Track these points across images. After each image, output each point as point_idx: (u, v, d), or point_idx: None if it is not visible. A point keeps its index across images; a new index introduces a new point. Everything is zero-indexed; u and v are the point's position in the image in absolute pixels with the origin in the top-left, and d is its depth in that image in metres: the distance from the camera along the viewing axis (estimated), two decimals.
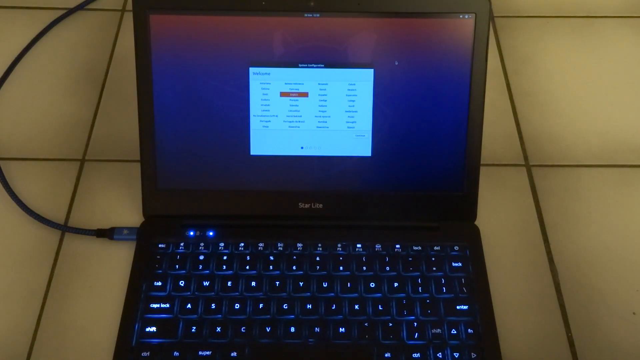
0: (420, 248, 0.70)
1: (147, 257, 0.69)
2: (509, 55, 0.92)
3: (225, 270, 0.68)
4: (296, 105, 0.70)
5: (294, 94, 0.69)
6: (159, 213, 0.72)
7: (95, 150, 0.81)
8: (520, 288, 0.70)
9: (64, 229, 0.73)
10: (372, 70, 0.68)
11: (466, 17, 0.67)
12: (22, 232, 0.74)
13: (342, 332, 0.64)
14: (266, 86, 0.69)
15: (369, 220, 0.72)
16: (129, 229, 0.72)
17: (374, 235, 0.71)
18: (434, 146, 0.70)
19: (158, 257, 0.69)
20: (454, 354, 0.63)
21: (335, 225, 0.72)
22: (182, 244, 0.70)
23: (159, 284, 0.67)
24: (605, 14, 0.98)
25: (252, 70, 0.69)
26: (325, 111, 0.70)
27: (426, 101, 0.69)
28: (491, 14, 0.74)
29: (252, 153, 0.71)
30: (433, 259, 0.69)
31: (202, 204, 0.72)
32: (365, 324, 0.65)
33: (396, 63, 0.68)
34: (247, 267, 0.69)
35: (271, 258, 0.69)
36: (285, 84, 0.69)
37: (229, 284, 0.67)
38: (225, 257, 0.69)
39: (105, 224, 0.73)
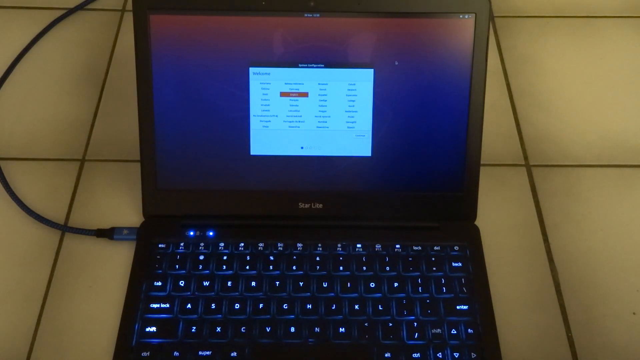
0: (420, 248, 0.70)
1: (147, 257, 0.69)
2: (509, 55, 0.92)
3: (225, 270, 0.68)
4: (296, 105, 0.70)
5: (294, 94, 0.69)
6: (159, 213, 0.72)
7: (95, 150, 0.81)
8: (520, 288, 0.70)
9: (64, 229, 0.73)
10: (372, 70, 0.68)
11: (466, 17, 0.67)
12: (22, 232, 0.74)
13: (342, 332, 0.64)
14: (266, 86, 0.69)
15: (369, 220, 0.72)
16: (129, 229, 0.72)
17: (374, 235, 0.71)
18: (434, 146, 0.70)
19: (158, 257, 0.69)
20: (454, 354, 0.63)
21: (335, 225, 0.72)
22: (182, 244, 0.70)
23: (159, 284, 0.67)
24: (605, 14, 0.98)
25: (252, 70, 0.69)
26: (325, 111, 0.70)
27: (426, 101, 0.69)
28: (491, 14, 0.74)
29: (252, 153, 0.71)
30: (433, 259, 0.69)
31: (202, 204, 0.72)
32: (365, 324, 0.65)
33: (396, 63, 0.68)
34: (247, 267, 0.69)
35: (271, 258, 0.69)
36: (285, 84, 0.69)
37: (229, 284, 0.67)
38: (225, 257, 0.69)
39: (105, 224, 0.73)
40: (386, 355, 0.63)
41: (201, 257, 0.69)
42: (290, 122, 0.70)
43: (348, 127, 0.70)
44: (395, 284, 0.67)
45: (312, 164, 0.71)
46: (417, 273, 0.68)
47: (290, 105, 0.70)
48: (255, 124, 0.70)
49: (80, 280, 0.70)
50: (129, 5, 0.99)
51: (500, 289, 0.69)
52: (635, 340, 0.66)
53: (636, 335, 0.67)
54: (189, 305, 0.66)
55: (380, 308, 0.66)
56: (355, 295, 0.67)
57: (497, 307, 0.67)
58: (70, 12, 0.97)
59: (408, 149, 0.70)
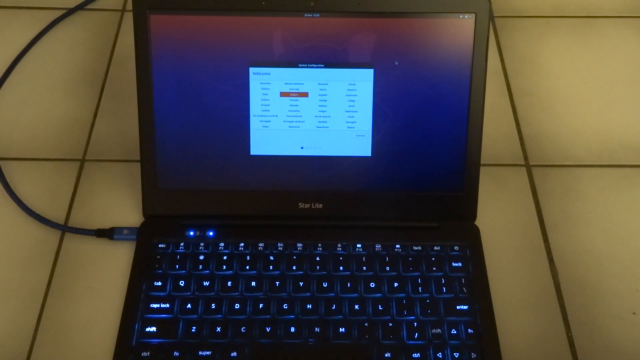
0: (420, 248, 0.70)
1: (147, 257, 0.69)
2: (509, 55, 0.92)
3: (225, 270, 0.68)
4: (296, 105, 0.70)
5: (294, 94, 0.69)
6: (159, 213, 0.72)
7: (95, 150, 0.81)
8: (520, 288, 0.70)
9: (64, 229, 0.73)
10: (372, 70, 0.68)
11: (466, 17, 0.67)
12: (22, 232, 0.74)
13: (342, 332, 0.64)
14: (266, 86, 0.69)
15: (369, 220, 0.72)
16: (129, 229, 0.72)
17: (374, 235, 0.71)
18: (434, 146, 0.70)
19: (158, 257, 0.69)
20: (454, 354, 0.63)
21: (335, 225, 0.72)
22: (182, 244, 0.70)
23: (159, 284, 0.67)
24: (605, 14, 0.98)
25: (252, 70, 0.69)
26: (325, 111, 0.70)
27: (426, 101, 0.69)
28: (491, 14, 0.74)
29: (252, 153, 0.71)
30: (433, 259, 0.69)
31: (202, 204, 0.72)
32: (365, 324, 0.65)
33: (396, 63, 0.68)
34: (247, 267, 0.69)
35: (271, 258, 0.69)
36: (285, 84, 0.69)
37: (229, 284, 0.67)
38: (225, 257, 0.69)
39: (105, 224, 0.73)
40: (386, 355, 0.63)
41: (201, 257, 0.69)
42: (290, 122, 0.70)
43: (348, 127, 0.70)
44: (395, 284, 0.67)
45: (312, 164, 0.71)
46: (417, 273, 0.68)
47: (290, 105, 0.70)
48: (255, 124, 0.70)
49: (80, 280, 0.70)
50: (129, 5, 0.99)
51: (500, 289, 0.69)
52: (635, 340, 0.66)
53: (636, 335, 0.67)
54: (189, 305, 0.66)
55: (380, 308, 0.66)
56: (355, 295, 0.67)
57: (497, 307, 0.67)
58: (70, 12, 0.97)
59: (408, 149, 0.70)
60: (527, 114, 0.86)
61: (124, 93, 0.86)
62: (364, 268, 0.68)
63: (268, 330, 0.64)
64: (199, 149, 0.70)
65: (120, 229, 0.72)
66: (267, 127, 0.70)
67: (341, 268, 0.69)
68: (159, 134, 0.70)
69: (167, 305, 0.66)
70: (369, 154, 0.71)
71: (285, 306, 0.66)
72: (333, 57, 0.68)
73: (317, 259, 0.69)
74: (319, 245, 0.70)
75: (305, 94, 0.69)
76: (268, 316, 0.65)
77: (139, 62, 0.68)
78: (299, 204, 0.71)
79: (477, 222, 0.72)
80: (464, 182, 0.71)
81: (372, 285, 0.67)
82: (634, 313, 0.68)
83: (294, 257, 0.69)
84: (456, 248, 0.70)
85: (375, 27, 0.67)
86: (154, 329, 0.65)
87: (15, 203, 0.75)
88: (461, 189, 0.71)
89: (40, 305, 0.68)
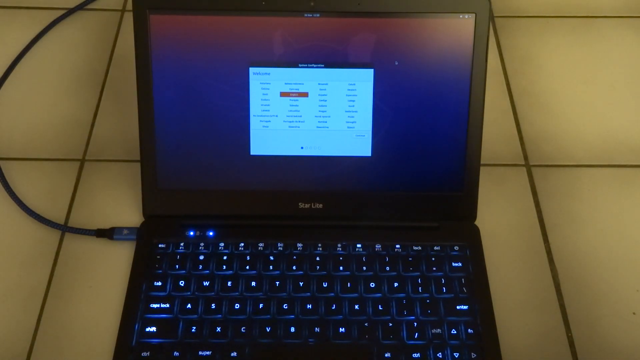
0: (420, 248, 0.70)
1: (147, 257, 0.69)
2: (509, 55, 0.92)
3: (225, 270, 0.68)
4: (296, 105, 0.70)
5: (294, 94, 0.69)
6: (159, 213, 0.72)
7: (95, 150, 0.81)
8: (520, 288, 0.70)
9: (64, 229, 0.73)
10: (372, 70, 0.68)
11: (466, 17, 0.67)
12: (22, 232, 0.74)
13: (342, 332, 0.64)
14: (266, 86, 0.69)
15: (369, 220, 0.72)
16: (129, 229, 0.72)
17: (374, 235, 0.71)
18: (434, 146, 0.70)
19: (158, 257, 0.69)
20: (454, 354, 0.63)
21: (335, 225, 0.72)
22: (182, 244, 0.70)
23: (159, 284, 0.67)
24: (605, 14, 0.98)
25: (252, 70, 0.69)
26: (325, 111, 0.70)
27: (426, 101, 0.69)
28: (491, 14, 0.74)
29: (252, 153, 0.71)
30: (433, 259, 0.69)
31: (202, 204, 0.72)
32: (365, 324, 0.65)
33: (396, 63, 0.68)
34: (247, 267, 0.69)
35: (271, 258, 0.69)
36: (285, 84, 0.69)
37: (229, 284, 0.67)
38: (225, 257, 0.69)
39: (105, 224, 0.73)
40: (386, 355, 0.63)
41: (201, 257, 0.69)
42: (290, 122, 0.70)
43: (348, 127, 0.70)
44: (395, 284, 0.67)
45: (312, 164, 0.71)
46: (417, 273, 0.68)
47: (290, 105, 0.70)
48: (255, 124, 0.70)
49: (80, 280, 0.70)
50: (129, 5, 0.99)
51: (500, 289, 0.69)
52: (635, 340, 0.66)
53: (636, 335, 0.67)
54: (189, 305, 0.66)
55: (380, 308, 0.66)
56: (355, 295, 0.67)
57: (497, 307, 0.67)
58: (70, 12, 0.97)
59: (408, 149, 0.70)
60: (527, 114, 0.86)
61: (124, 93, 0.86)
62: (364, 268, 0.68)
63: (268, 330, 0.64)
64: (199, 149, 0.70)
65: (120, 229, 0.72)
66: (267, 127, 0.70)
67: (341, 268, 0.69)
68: (159, 134, 0.70)
69: (167, 305, 0.66)
70: (369, 154, 0.71)
71: (285, 306, 0.66)
72: (333, 57, 0.68)
73: (317, 259, 0.69)
74: (319, 245, 0.70)
75: (305, 94, 0.69)
76: (268, 316, 0.65)
77: (139, 62, 0.68)
78: (299, 204, 0.71)
79: (477, 222, 0.72)
80: (463, 182, 0.71)
81: (372, 285, 0.67)
82: (634, 313, 0.68)
83: (294, 257, 0.69)
84: (456, 248, 0.70)
85: (375, 27, 0.67)
86: (154, 329, 0.65)
87: (15, 203, 0.75)
88: (461, 189, 0.71)
89: (40, 305, 0.68)
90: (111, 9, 0.98)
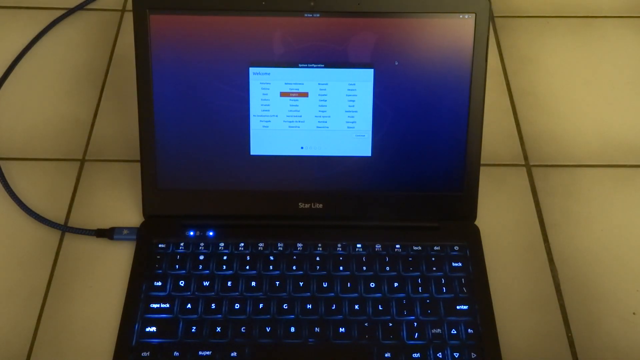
0: (420, 248, 0.70)
1: (147, 257, 0.69)
2: (509, 55, 0.92)
3: (225, 270, 0.68)
4: (296, 105, 0.70)
5: (294, 94, 0.69)
6: (159, 213, 0.72)
7: (95, 150, 0.81)
8: (520, 288, 0.70)
9: (64, 229, 0.73)
10: (372, 70, 0.68)
11: (466, 17, 0.67)
12: (22, 232, 0.74)
13: (342, 332, 0.64)
14: (266, 86, 0.69)
15: (369, 220, 0.72)
16: (129, 229, 0.72)
17: (374, 235, 0.71)
18: (434, 146, 0.70)
19: (158, 257, 0.69)
20: (454, 354, 0.63)
21: (335, 225, 0.72)
22: (182, 244, 0.70)
23: (159, 284, 0.67)
24: (605, 14, 0.98)
25: (252, 70, 0.69)
26: (325, 111, 0.70)
27: (426, 101, 0.69)
28: (491, 14, 0.74)
29: (252, 153, 0.71)
30: (433, 259, 0.69)
31: (202, 204, 0.72)
32: (365, 324, 0.65)
33: (396, 63, 0.68)
34: (247, 267, 0.69)
35: (271, 258, 0.69)
36: (285, 84, 0.69)
37: (229, 284, 0.67)
38: (225, 257, 0.69)
39: (105, 224, 0.73)
40: (386, 355, 0.63)
41: (201, 257, 0.69)
42: (290, 122, 0.70)
43: (348, 127, 0.70)
44: (395, 284, 0.67)
45: (312, 164, 0.71)
46: (417, 273, 0.68)
47: (290, 105, 0.70)
48: (255, 124, 0.70)
49: (80, 280, 0.70)
50: (129, 5, 0.99)
51: (500, 289, 0.69)
52: (635, 340, 0.66)
53: (636, 335, 0.67)
54: (189, 305, 0.66)
55: (380, 308, 0.66)
56: (355, 295, 0.67)
57: (497, 307, 0.67)
58: (70, 12, 0.97)
59: (408, 149, 0.70)
60: (527, 113, 0.86)
61: (124, 93, 0.86)
62: (364, 268, 0.68)
63: (268, 330, 0.64)
64: (199, 149, 0.70)
65: (120, 229, 0.72)
66: (267, 127, 0.70)
67: (341, 268, 0.69)
68: (159, 134, 0.70)
69: (167, 305, 0.66)
70: (369, 154, 0.71)
71: (285, 306, 0.66)
72: (333, 57, 0.68)
73: (317, 259, 0.69)
74: (319, 245, 0.70)
75: (305, 94, 0.69)
76: (268, 316, 0.65)
77: (139, 62, 0.68)
78: (299, 204, 0.71)
79: (477, 222, 0.72)
80: (463, 182, 0.71)
81: (372, 285, 0.67)
82: (634, 313, 0.68)
83: (294, 257, 0.69)
84: (456, 248, 0.70)
85: (375, 27, 0.67)
86: (154, 329, 0.65)
87: (15, 203, 0.75)
88: (461, 189, 0.71)
89: (40, 305, 0.68)
90: (111, 9, 0.98)
